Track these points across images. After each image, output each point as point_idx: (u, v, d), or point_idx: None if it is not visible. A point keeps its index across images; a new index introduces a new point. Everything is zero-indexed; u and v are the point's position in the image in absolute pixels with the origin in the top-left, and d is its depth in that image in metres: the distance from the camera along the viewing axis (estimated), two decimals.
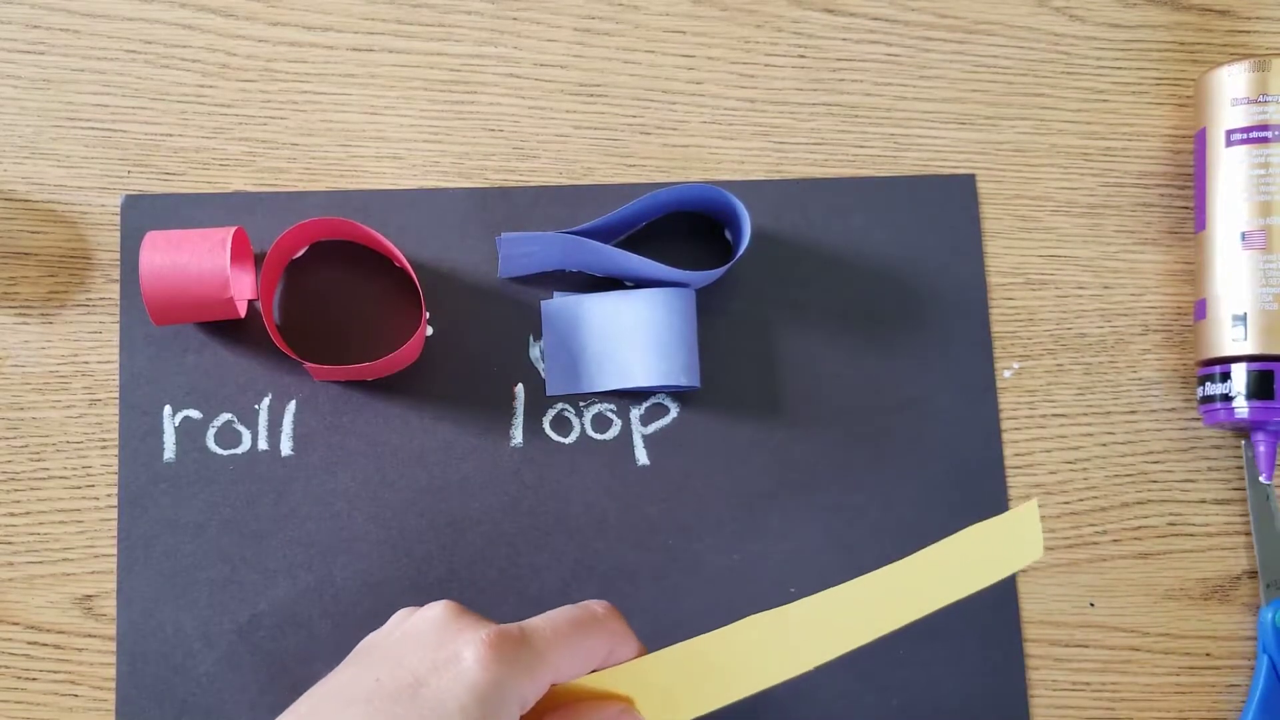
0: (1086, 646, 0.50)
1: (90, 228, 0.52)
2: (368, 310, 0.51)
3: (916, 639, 0.49)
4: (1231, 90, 0.51)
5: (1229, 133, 0.51)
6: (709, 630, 0.38)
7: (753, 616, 0.39)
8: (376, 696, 0.34)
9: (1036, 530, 0.40)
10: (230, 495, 0.49)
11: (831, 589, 0.39)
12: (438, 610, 0.38)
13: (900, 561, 0.39)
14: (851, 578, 0.39)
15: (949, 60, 0.55)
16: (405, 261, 0.50)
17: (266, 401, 0.50)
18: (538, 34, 0.54)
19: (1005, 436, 0.52)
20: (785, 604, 0.39)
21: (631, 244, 0.52)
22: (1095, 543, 0.51)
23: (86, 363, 0.51)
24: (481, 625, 0.36)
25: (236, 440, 0.50)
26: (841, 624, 0.39)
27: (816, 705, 0.49)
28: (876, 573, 0.39)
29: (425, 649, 0.36)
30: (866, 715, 0.49)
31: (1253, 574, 0.51)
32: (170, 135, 0.53)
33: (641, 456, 0.51)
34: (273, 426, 0.50)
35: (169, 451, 0.50)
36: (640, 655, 0.39)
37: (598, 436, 0.51)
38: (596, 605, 0.39)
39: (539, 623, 0.37)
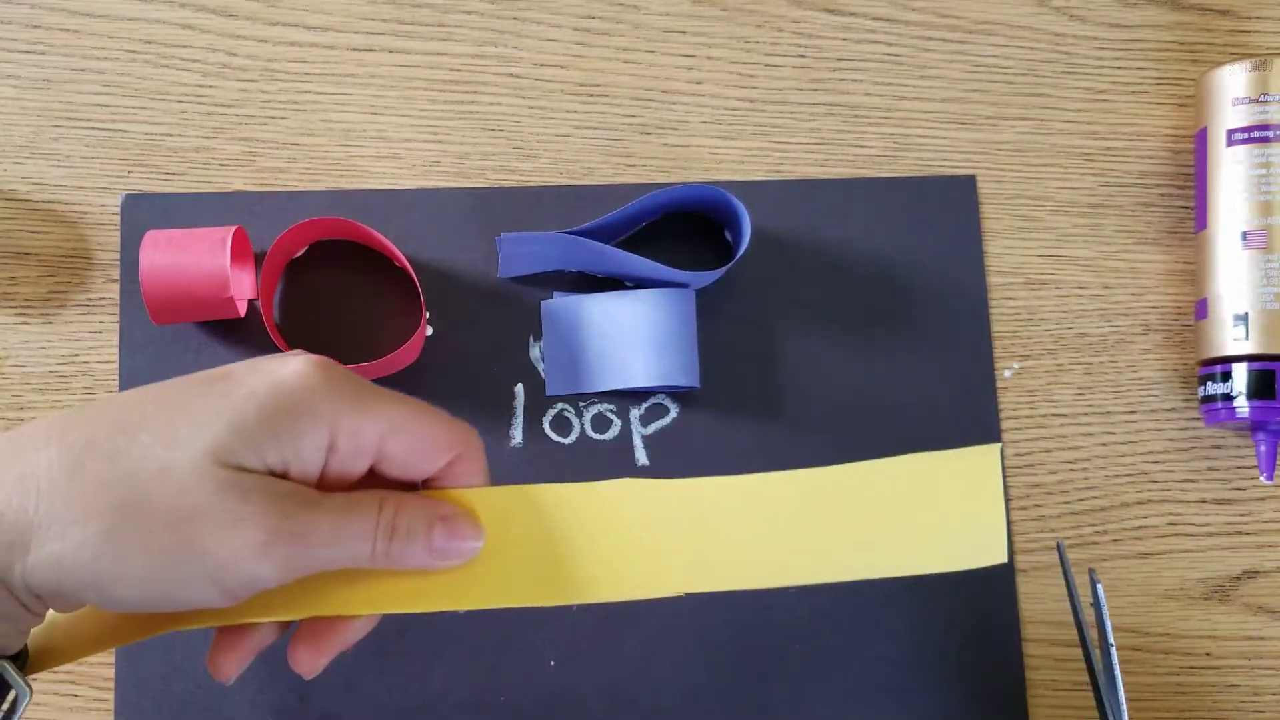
0: None
1: (90, 228, 0.52)
2: (368, 310, 0.51)
3: (916, 639, 0.49)
4: (1232, 90, 0.51)
5: (1230, 132, 0.51)
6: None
7: (636, 481, 0.36)
8: (179, 380, 0.33)
9: (996, 496, 0.35)
10: None
11: (747, 475, 0.36)
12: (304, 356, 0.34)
13: (826, 469, 0.36)
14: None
15: (949, 60, 0.55)
16: (405, 261, 0.50)
17: None
18: (538, 34, 0.54)
19: (1005, 436, 0.52)
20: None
21: (631, 244, 0.52)
22: (1095, 543, 0.51)
23: (87, 362, 0.51)
24: None
25: None
26: (747, 528, 0.36)
27: (814, 706, 0.49)
28: (799, 472, 0.36)
29: (260, 358, 0.33)
30: (865, 715, 0.49)
31: (1253, 574, 0.51)
32: (170, 135, 0.53)
33: (641, 457, 0.51)
34: None
35: None
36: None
37: (598, 437, 0.51)
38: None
39: (389, 391, 0.34)
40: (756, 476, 0.36)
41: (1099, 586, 0.45)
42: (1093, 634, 0.45)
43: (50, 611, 0.33)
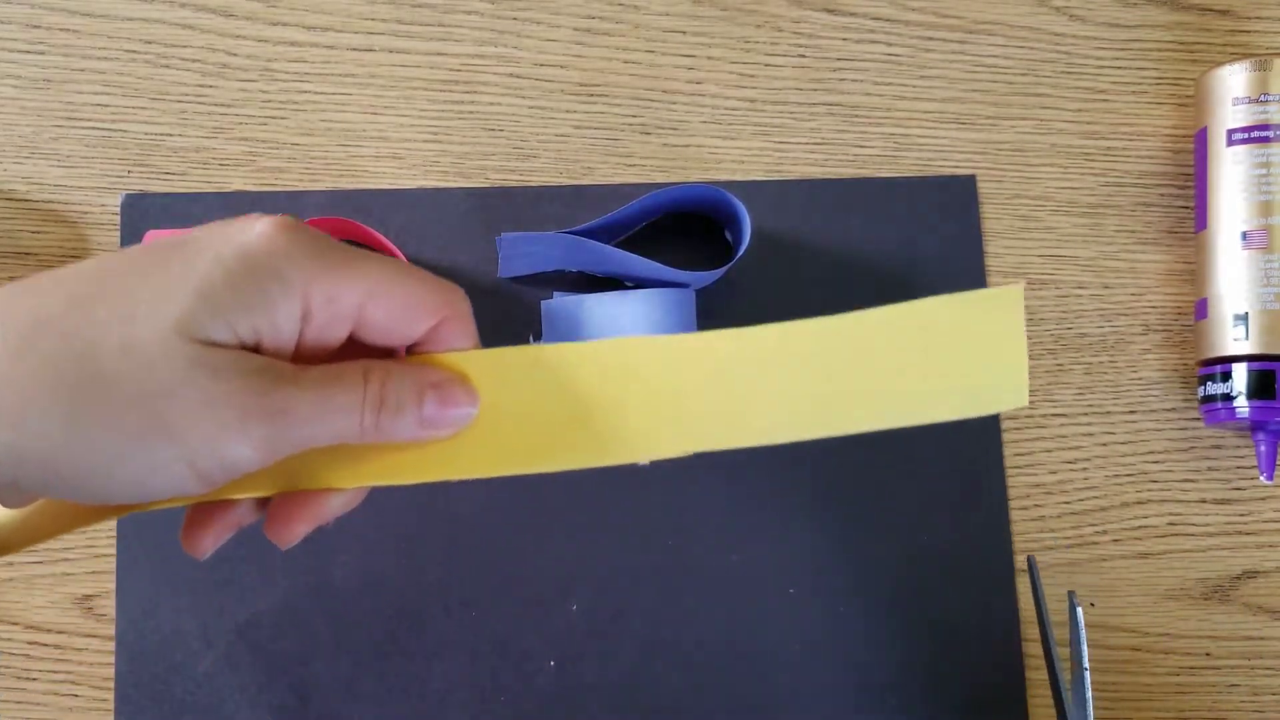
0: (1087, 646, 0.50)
1: (90, 227, 0.52)
2: None
3: (916, 638, 0.49)
4: (1232, 90, 0.51)
5: (1230, 132, 0.51)
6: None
7: (642, 337, 0.34)
8: (135, 248, 0.30)
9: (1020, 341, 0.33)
10: None
11: (754, 327, 0.33)
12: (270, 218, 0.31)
13: (836, 316, 0.33)
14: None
15: (949, 60, 0.55)
16: (405, 261, 0.50)
17: None
18: (538, 34, 0.54)
19: (1005, 436, 0.52)
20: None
21: (631, 244, 0.52)
22: (1095, 543, 0.51)
23: None
24: None
25: None
26: (759, 381, 0.33)
27: (814, 706, 0.49)
28: (810, 321, 0.33)
29: (222, 223, 0.30)
30: (865, 714, 0.49)
31: (1252, 574, 0.51)
32: (170, 135, 0.53)
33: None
34: None
35: None
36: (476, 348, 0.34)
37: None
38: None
39: (364, 252, 0.31)
40: (765, 327, 0.33)
41: (1079, 611, 0.44)
42: (1063, 652, 0.44)
43: None
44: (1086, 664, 0.44)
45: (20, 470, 0.28)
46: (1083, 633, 0.44)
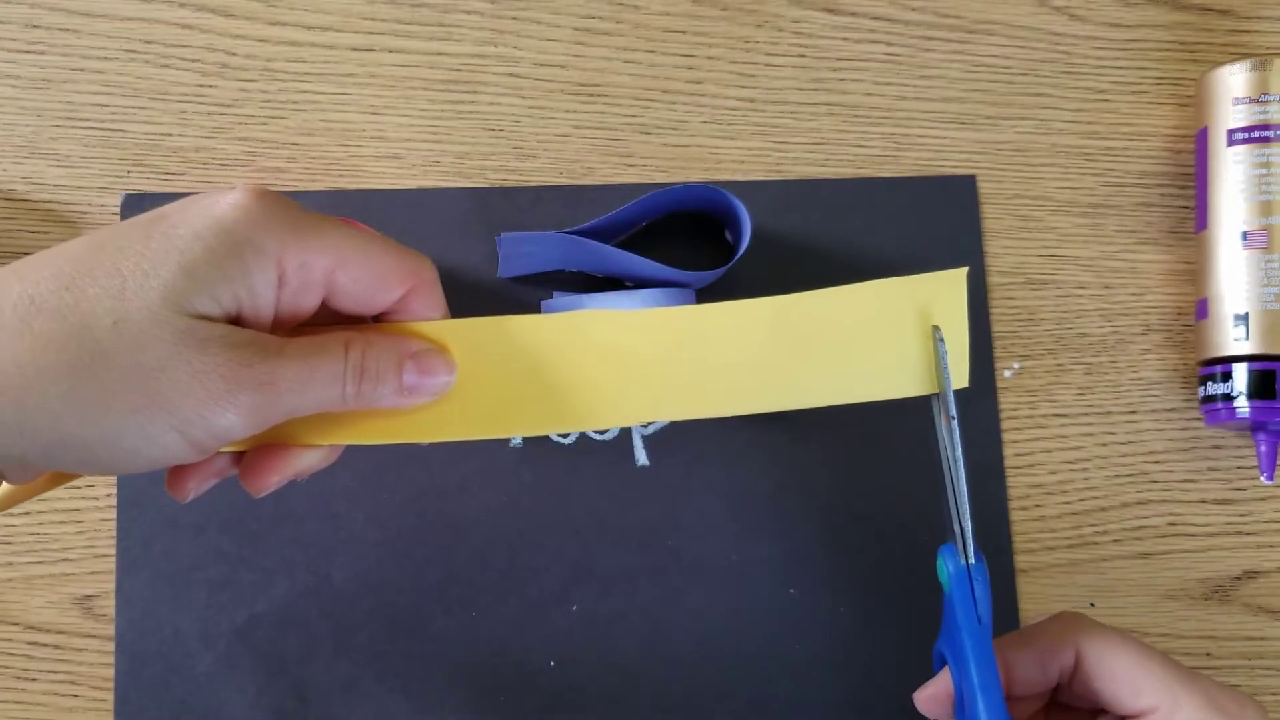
0: None
1: (90, 227, 0.52)
2: None
3: (916, 638, 0.49)
4: (1232, 90, 0.51)
5: (1230, 132, 0.51)
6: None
7: (607, 310, 0.36)
8: (113, 228, 0.31)
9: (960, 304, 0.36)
10: (229, 495, 0.49)
11: (717, 304, 0.36)
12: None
13: (792, 295, 0.36)
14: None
15: (949, 60, 0.55)
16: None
17: None
18: (538, 34, 0.54)
19: (1005, 436, 0.52)
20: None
21: (631, 244, 0.52)
22: (1095, 543, 0.51)
23: None
24: None
25: None
26: (719, 354, 0.36)
27: (814, 706, 0.49)
28: (765, 299, 0.36)
29: (192, 197, 0.32)
30: (865, 714, 0.49)
31: (1253, 574, 0.51)
32: (170, 135, 0.53)
33: (641, 457, 0.51)
34: None
35: None
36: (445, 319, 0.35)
37: (597, 437, 0.51)
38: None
39: (335, 219, 0.33)
40: (727, 304, 0.36)
41: (943, 347, 0.38)
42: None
43: None
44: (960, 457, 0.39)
45: (26, 445, 0.29)
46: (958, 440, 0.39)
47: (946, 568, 0.38)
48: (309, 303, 0.33)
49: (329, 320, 0.34)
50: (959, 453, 0.38)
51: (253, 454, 0.34)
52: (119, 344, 0.29)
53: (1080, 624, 0.39)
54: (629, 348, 0.35)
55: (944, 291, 0.37)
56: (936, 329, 0.37)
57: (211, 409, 0.30)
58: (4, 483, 0.31)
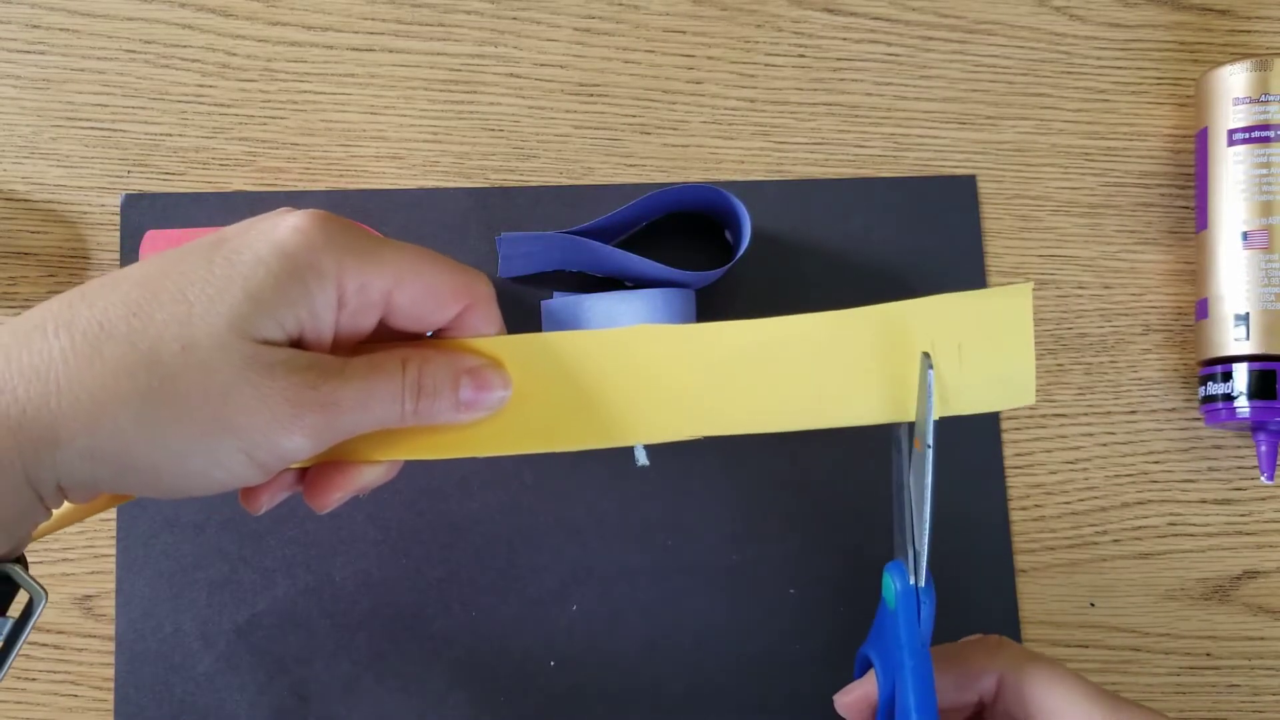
0: (1086, 646, 0.50)
1: (90, 227, 0.52)
2: None
3: None
4: (1232, 90, 0.51)
5: (1230, 132, 0.51)
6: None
7: (653, 325, 0.36)
8: (175, 252, 0.31)
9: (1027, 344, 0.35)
10: (229, 495, 0.49)
11: (767, 319, 0.35)
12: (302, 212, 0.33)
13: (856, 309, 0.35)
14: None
15: (949, 60, 0.55)
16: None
17: None
18: (538, 34, 0.54)
19: (1005, 436, 0.52)
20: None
21: (631, 244, 0.52)
22: (1095, 543, 0.51)
23: None
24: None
25: None
26: (771, 371, 0.35)
27: (814, 706, 0.49)
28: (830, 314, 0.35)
29: (250, 221, 0.32)
30: None
31: (1253, 574, 0.51)
32: (170, 135, 0.53)
33: (641, 457, 0.51)
34: None
35: None
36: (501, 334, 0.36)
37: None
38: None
39: (393, 241, 0.34)
40: (777, 320, 0.36)
41: (930, 375, 0.37)
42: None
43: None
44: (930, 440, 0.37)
45: (97, 470, 0.30)
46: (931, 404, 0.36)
47: (894, 585, 0.38)
48: (367, 323, 0.33)
49: (386, 338, 0.34)
50: (928, 479, 0.36)
51: (316, 471, 0.35)
52: (187, 369, 0.29)
53: (1004, 651, 0.39)
54: (677, 363, 0.36)
55: (1008, 307, 0.36)
56: (926, 356, 0.36)
57: (278, 432, 0.30)
58: (66, 502, 0.31)
